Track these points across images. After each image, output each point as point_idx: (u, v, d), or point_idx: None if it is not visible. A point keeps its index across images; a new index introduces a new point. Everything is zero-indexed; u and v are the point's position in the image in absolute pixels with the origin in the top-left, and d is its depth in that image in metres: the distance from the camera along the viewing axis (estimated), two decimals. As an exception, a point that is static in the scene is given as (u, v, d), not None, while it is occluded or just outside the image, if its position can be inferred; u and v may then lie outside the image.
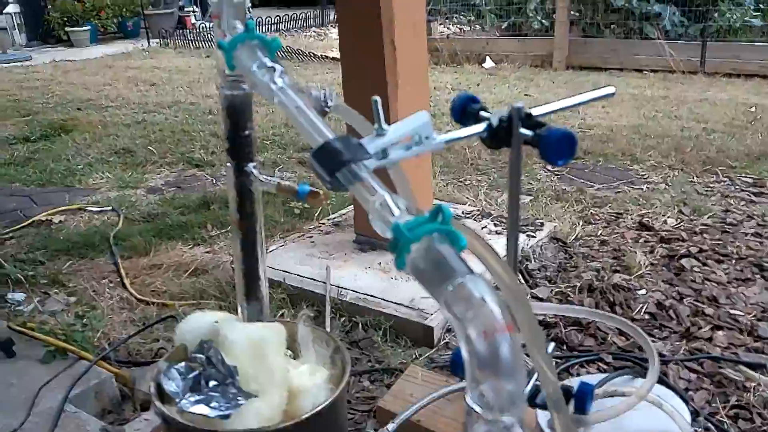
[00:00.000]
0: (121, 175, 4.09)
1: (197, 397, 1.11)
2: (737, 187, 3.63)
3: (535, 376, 1.02)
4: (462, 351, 0.56)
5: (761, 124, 4.81)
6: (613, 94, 0.96)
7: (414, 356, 2.17)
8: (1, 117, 5.87)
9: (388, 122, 2.41)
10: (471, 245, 0.71)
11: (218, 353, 1.10)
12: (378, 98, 0.70)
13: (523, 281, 2.59)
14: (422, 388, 1.95)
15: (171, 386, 1.12)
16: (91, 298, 2.59)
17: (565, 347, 2.16)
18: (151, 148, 4.62)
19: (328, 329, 2.28)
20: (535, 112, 0.89)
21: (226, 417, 1.05)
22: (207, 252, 2.96)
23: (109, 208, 3.53)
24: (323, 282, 2.48)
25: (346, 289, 2.43)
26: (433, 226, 0.60)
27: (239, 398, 1.08)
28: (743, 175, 3.79)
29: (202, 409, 1.08)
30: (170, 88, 7.11)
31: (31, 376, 1.98)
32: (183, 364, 1.17)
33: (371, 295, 2.37)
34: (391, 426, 1.72)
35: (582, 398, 1.13)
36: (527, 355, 0.75)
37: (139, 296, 2.60)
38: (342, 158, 0.69)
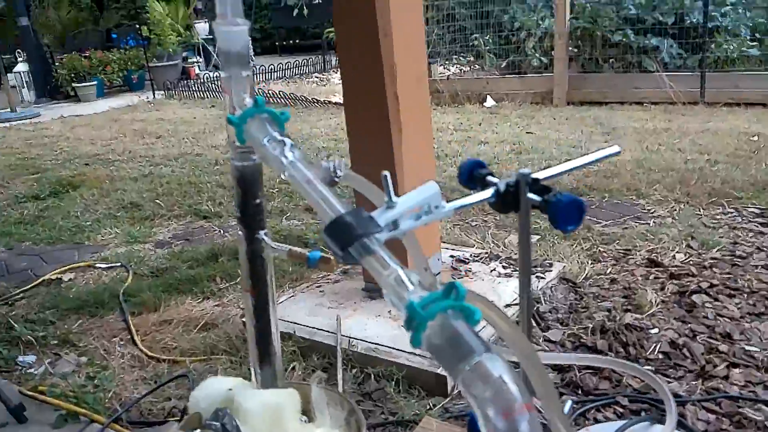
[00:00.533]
0: (129, 230, 4.12)
1: (214, 466, 1.10)
2: (744, 218, 3.63)
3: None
4: (481, 429, 0.56)
5: (765, 152, 4.82)
6: (618, 152, 0.97)
7: (428, 406, 2.15)
8: (11, 175, 5.94)
9: (394, 170, 2.45)
10: (483, 313, 0.72)
11: (233, 421, 1.10)
12: (387, 173, 0.72)
13: (534, 325, 2.58)
14: (438, 439, 1.93)
15: (187, 456, 1.11)
16: (102, 358, 2.59)
17: (580, 391, 2.14)
18: (158, 201, 4.66)
19: (340, 382, 2.27)
20: (541, 175, 0.90)
21: (244, 487, 1.04)
22: (216, 305, 2.96)
23: (118, 264, 3.55)
24: (333, 333, 2.47)
25: (356, 339, 2.42)
26: (447, 303, 0.60)
27: (256, 467, 1.07)
28: (750, 205, 3.79)
29: (219, 478, 1.07)
30: (176, 140, 7.19)
31: (44, 442, 1.97)
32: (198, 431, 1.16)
33: (382, 345, 2.36)
34: (408, 482, 1.70)
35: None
36: (544, 416, 0.75)
37: (149, 353, 2.60)
38: (354, 233, 0.70)
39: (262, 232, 1.01)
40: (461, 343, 0.58)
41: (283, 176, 0.82)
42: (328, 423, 1.23)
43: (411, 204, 0.73)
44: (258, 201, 1.00)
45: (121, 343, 2.71)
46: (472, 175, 0.95)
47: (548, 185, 0.87)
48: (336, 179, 0.83)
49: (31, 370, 2.55)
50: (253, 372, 1.13)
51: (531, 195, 0.88)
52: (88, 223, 4.33)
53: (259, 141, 0.85)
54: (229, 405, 1.11)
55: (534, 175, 0.89)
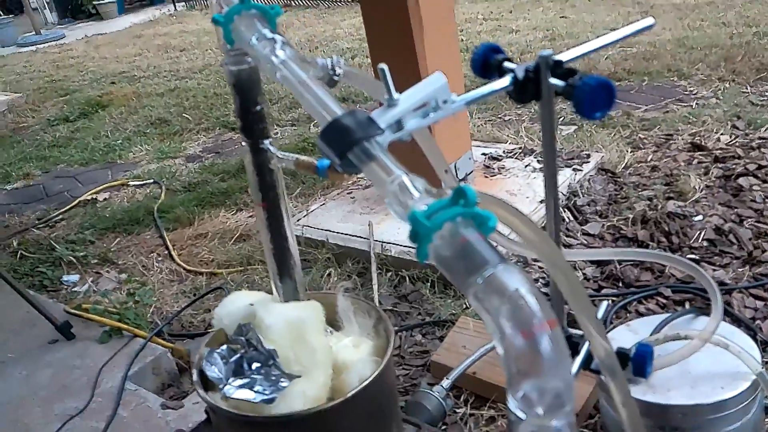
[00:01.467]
0: (159, 146, 4.10)
1: (241, 381, 1.09)
2: (796, 93, 3.42)
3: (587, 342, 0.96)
4: (497, 348, 0.50)
5: (819, 21, 4.49)
6: (653, 25, 0.86)
7: (464, 306, 2.13)
8: (41, 98, 5.94)
9: (418, 72, 2.29)
10: (500, 216, 0.65)
11: (257, 335, 1.08)
12: (385, 66, 0.63)
13: (572, 218, 2.50)
14: (475, 339, 1.91)
15: (213, 372, 1.10)
16: (141, 274, 2.62)
17: (621, 284, 2.08)
18: (186, 115, 4.61)
19: (375, 286, 2.26)
20: (565, 57, 0.80)
21: (271, 401, 1.03)
22: (250, 216, 2.95)
23: (151, 180, 3.55)
24: (366, 238, 2.44)
25: (389, 243, 2.38)
26: (455, 211, 0.53)
27: (282, 381, 1.05)
28: (802, 79, 3.56)
29: (246, 394, 1.06)
30: (200, 52, 7.06)
31: (91, 357, 2.02)
32: (224, 347, 1.15)
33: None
34: (445, 382, 1.69)
35: (641, 362, 1.06)
36: (576, 320, 0.69)
37: (187, 267, 2.62)
38: (352, 137, 0.62)
39: (266, 141, 0.95)
40: (472, 254, 0.52)
41: (274, 79, 0.74)
42: (356, 331, 1.20)
43: (415, 100, 0.65)
44: (259, 107, 0.93)
45: (159, 258, 2.74)
46: (487, 63, 0.85)
47: (573, 68, 0.77)
48: (335, 78, 0.75)
49: (76, 289, 2.61)
50: (273, 286, 1.10)
51: (553, 80, 0.78)
52: (118, 141, 4.32)
53: (247, 40, 0.77)
54: (252, 320, 1.09)
55: (556, 57, 0.78)
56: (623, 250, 1.08)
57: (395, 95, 0.65)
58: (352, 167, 0.63)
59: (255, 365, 1.12)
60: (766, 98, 3.40)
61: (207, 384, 1.12)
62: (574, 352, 1.01)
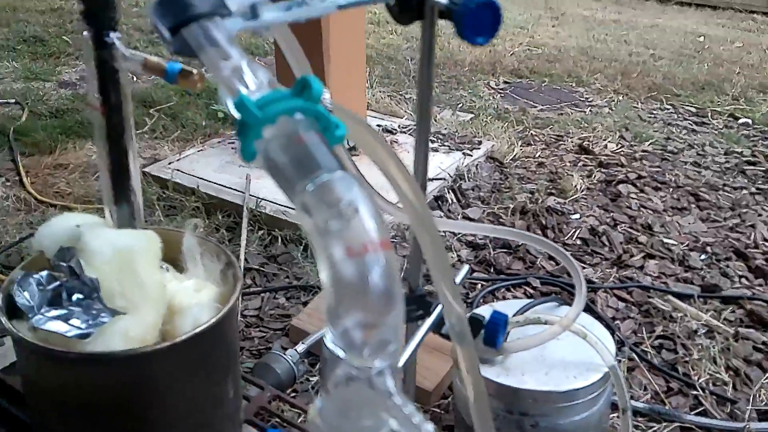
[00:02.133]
0: (30, 66, 3.72)
1: (56, 313, 0.94)
2: (680, 115, 3.57)
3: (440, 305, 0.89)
4: (321, 273, 0.41)
5: (708, 53, 4.74)
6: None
7: (334, 273, 2.04)
8: None
9: None
10: (361, 140, 0.55)
11: (79, 262, 0.93)
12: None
13: (455, 200, 2.47)
14: (339, 307, 1.83)
15: (24, 298, 0.94)
16: (-17, 198, 2.35)
17: (492, 270, 2.07)
18: (66, 38, 4.22)
19: (244, 242, 2.13)
20: (453, -24, 0.71)
21: (86, 336, 0.89)
22: (120, 154, 2.72)
23: (12, 100, 3.21)
24: (242, 192, 2.30)
25: (266, 200, 2.25)
26: (295, 104, 0.43)
27: (103, 315, 0.91)
28: (687, 104, 3.72)
29: (58, 326, 0.91)
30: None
31: None
32: (45, 273, 0.99)
33: (292, 208, 2.20)
34: (300, 347, 1.59)
35: (494, 330, 1.01)
36: (431, 282, 0.61)
37: (39, 197, 2.38)
38: (191, 11, 0.51)
39: (113, 34, 0.80)
40: (307, 156, 0.42)
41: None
42: (200, 275, 1.07)
43: (277, -17, 0.54)
44: (107, -9, 0.79)
45: (7, 183, 2.47)
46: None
47: (462, -12, 0.69)
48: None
49: None
50: (107, 210, 0.96)
51: (436, -1, 0.69)
52: (-19, 53, 3.90)
53: None
54: (76, 244, 0.94)
55: (443, -27, 0.70)
56: (504, 229, 1.03)
57: (253, -28, 0.54)
58: (186, 49, 0.52)
59: (76, 296, 0.97)
60: (653, 116, 3.53)
61: (16, 313, 0.96)
62: (426, 313, 0.94)
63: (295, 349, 1.59)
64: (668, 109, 3.66)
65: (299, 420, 1.42)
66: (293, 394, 1.62)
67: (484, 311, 1.23)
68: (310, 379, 1.69)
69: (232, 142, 2.70)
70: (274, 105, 0.43)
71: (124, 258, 0.91)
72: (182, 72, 0.74)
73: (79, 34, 4.20)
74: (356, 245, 0.38)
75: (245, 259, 2.07)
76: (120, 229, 0.96)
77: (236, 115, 0.44)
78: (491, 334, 0.98)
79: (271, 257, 2.13)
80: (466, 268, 1.13)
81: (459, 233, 2.22)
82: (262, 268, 2.08)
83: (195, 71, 0.75)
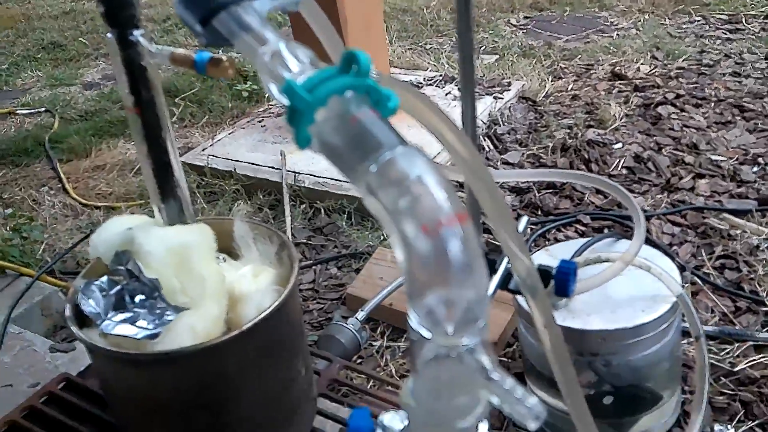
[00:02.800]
0: (53, 72, 3.75)
1: (122, 316, 0.95)
2: (712, 25, 3.43)
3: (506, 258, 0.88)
4: (395, 253, 0.39)
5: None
6: None
7: (381, 237, 2.04)
8: None
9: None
10: (406, 104, 0.53)
11: (136, 264, 0.94)
12: None
13: (492, 147, 2.43)
14: (393, 270, 1.83)
15: (89, 306, 0.96)
16: (31, 208, 2.40)
17: (540, 212, 2.03)
18: (83, 40, 4.24)
19: (288, 218, 2.13)
20: None
21: (154, 336, 0.90)
22: (153, 147, 2.74)
23: (42, 109, 3.24)
24: (278, 168, 2.29)
25: (303, 173, 2.25)
26: (345, 81, 0.41)
27: (168, 314, 0.92)
28: (718, 12, 3.57)
29: (127, 329, 0.92)
30: (101, -27, 6.51)
31: (-32, 299, 1.82)
32: (105, 278, 1.00)
33: (331, 178, 2.20)
34: (360, 314, 1.60)
35: (564, 280, 0.99)
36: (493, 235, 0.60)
37: (83, 201, 2.41)
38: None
39: (136, 32, 0.79)
40: (365, 136, 0.40)
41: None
42: (257, 259, 1.07)
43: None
44: (125, -11, 0.77)
45: (51, 192, 2.51)
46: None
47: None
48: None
49: (-46, 226, 2.36)
50: (155, 208, 0.96)
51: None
52: (4, 66, 3.93)
53: None
54: (131, 247, 0.95)
55: None
56: (548, 171, 1.01)
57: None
58: (219, 39, 0.50)
59: (139, 298, 0.98)
60: (683, 30, 3.41)
61: (84, 321, 0.98)
62: (491, 271, 0.92)
63: (356, 317, 1.60)
64: (698, 20, 3.52)
65: (369, 386, 1.43)
66: (359, 361, 1.64)
67: (540, 257, 1.21)
68: (373, 344, 1.70)
69: (261, 120, 2.69)
70: (324, 86, 0.41)
71: (180, 254, 0.91)
72: (212, 60, 0.72)
73: (95, 34, 4.21)
74: (430, 221, 0.37)
75: (292, 235, 2.08)
76: (171, 225, 0.96)
77: (284, 101, 0.43)
78: (562, 283, 0.96)
79: (316, 229, 2.14)
80: (525, 218, 1.11)
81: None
82: (309, 242, 2.08)
83: (225, 58, 0.73)
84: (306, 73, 0.44)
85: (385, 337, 1.69)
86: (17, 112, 3.24)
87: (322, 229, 2.13)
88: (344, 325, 1.56)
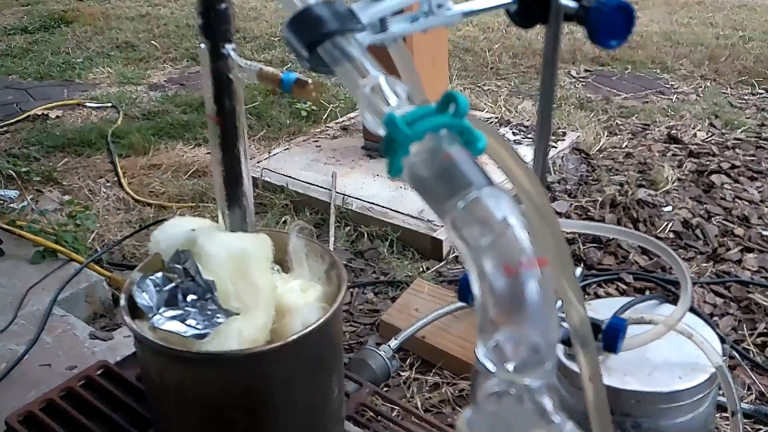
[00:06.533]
0: (123, 71, 3.89)
1: (173, 313, 0.99)
2: (775, 100, 3.40)
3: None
4: (473, 288, 0.41)
5: (804, 32, 4.49)
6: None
7: (421, 269, 2.06)
8: (0, 5, 5.60)
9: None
10: (489, 146, 0.56)
11: (195, 264, 0.97)
12: (376, -52, 0.53)
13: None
14: (428, 303, 1.84)
15: (143, 299, 1.00)
16: (87, 198, 2.48)
17: (583, 265, 2.03)
18: (154, 42, 4.39)
19: (332, 238, 2.16)
20: (579, -21, 0.70)
21: (203, 336, 0.93)
22: (208, 153, 2.81)
23: (109, 104, 3.36)
24: (328, 189, 2.34)
25: (352, 197, 2.29)
26: (442, 120, 0.44)
27: (218, 316, 0.95)
28: (782, 87, 3.54)
29: (176, 326, 0.96)
30: (178, -20, 6.75)
31: (19, 277, 1.89)
32: (159, 274, 1.04)
33: (378, 205, 2.23)
34: (393, 343, 1.62)
35: (614, 336, 0.99)
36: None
37: (136, 196, 2.49)
38: (325, 28, 0.52)
39: (228, 46, 0.83)
40: (455, 173, 0.43)
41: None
42: (306, 275, 1.10)
43: (406, -2, 0.55)
44: (224, 5, 0.81)
45: (107, 184, 2.59)
46: (490, -23, 0.75)
47: (588, -11, 0.68)
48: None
49: (13, 205, 2.45)
50: (220, 214, 1.00)
51: (565, 1, 0.68)
52: (79, 60, 4.09)
53: None
54: (192, 247, 0.98)
55: (571, -24, 0.69)
56: (606, 226, 1.02)
57: (383, -13, 0.55)
58: (322, 65, 0.53)
59: (191, 297, 1.01)
60: (744, 101, 3.38)
61: (136, 312, 1.02)
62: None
63: (389, 345, 1.61)
64: (761, 93, 3.49)
65: (393, 414, 1.43)
66: (386, 388, 1.65)
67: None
68: (401, 374, 1.70)
69: (316, 141, 2.75)
70: (422, 122, 0.44)
71: (239, 261, 0.95)
72: (298, 82, 0.76)
73: (166, 39, 4.36)
74: (512, 262, 0.39)
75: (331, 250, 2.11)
76: (233, 232, 1.00)
77: (381, 132, 0.45)
78: (611, 339, 0.97)
79: (357, 253, 2.16)
80: (580, 269, 1.12)
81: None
82: (349, 264, 2.11)
83: (310, 81, 0.77)
84: (403, 107, 0.47)
85: (414, 369, 1.70)
86: (86, 104, 3.36)
87: (363, 253, 2.16)
88: (377, 351, 1.58)
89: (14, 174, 2.59)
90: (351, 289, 2.00)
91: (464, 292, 0.99)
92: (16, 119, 3.16)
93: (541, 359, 0.40)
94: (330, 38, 0.52)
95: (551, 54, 0.77)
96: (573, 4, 0.68)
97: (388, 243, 2.15)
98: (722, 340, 1.68)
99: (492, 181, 0.43)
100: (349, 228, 2.23)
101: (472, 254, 0.41)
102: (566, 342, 0.98)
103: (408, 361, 1.73)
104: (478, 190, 0.42)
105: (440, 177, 0.43)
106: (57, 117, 3.23)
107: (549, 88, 0.80)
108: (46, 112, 3.27)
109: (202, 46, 0.85)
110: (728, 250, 2.07)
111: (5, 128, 3.09)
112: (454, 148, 0.44)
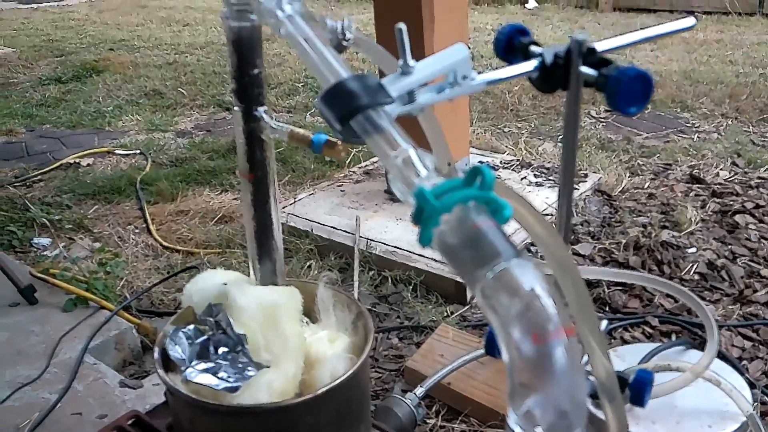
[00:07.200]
0: (151, 118, 4.00)
1: (205, 366, 1.01)
2: (798, 138, 3.39)
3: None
4: (503, 354, 0.43)
5: (825, 69, 4.49)
6: (693, 25, 0.80)
7: (445, 314, 2.06)
8: (35, 57, 5.81)
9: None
10: (514, 210, 0.58)
11: (226, 317, 1.00)
12: (403, 25, 0.56)
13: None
14: (453, 348, 1.84)
15: (176, 352, 1.02)
16: (116, 245, 2.53)
17: (608, 308, 2.03)
18: (181, 90, 4.51)
19: (356, 283, 2.18)
20: (600, 46, 0.73)
21: (234, 390, 0.95)
22: (234, 199, 2.87)
23: (137, 151, 3.45)
24: (352, 233, 2.37)
25: (375, 241, 2.31)
26: (470, 193, 0.47)
27: (249, 369, 0.98)
28: (805, 125, 3.53)
29: (208, 379, 0.98)
30: (203, 29, 6.96)
31: (52, 325, 1.93)
32: (191, 327, 1.07)
33: (401, 249, 2.26)
34: (419, 390, 1.62)
35: (641, 390, 1.00)
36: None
37: (164, 243, 2.53)
38: (357, 102, 0.55)
39: (261, 109, 0.87)
40: (483, 243, 0.45)
41: (278, 35, 0.67)
42: (333, 325, 1.13)
43: (432, 71, 0.58)
44: (257, 71, 0.85)
45: (136, 231, 2.65)
46: (512, 45, 0.78)
47: (607, 57, 0.71)
48: (344, 43, 0.68)
49: (46, 253, 2.51)
50: (251, 267, 1.02)
51: (584, 68, 0.71)
52: (109, 108, 4.21)
53: (253, -10, 0.70)
54: (223, 300, 1.01)
55: (590, 45, 0.71)
56: (629, 273, 1.03)
57: (411, 62, 0.58)
58: (354, 136, 0.56)
59: (222, 350, 1.04)
60: (767, 139, 3.38)
61: (168, 364, 1.04)
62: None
63: (414, 393, 1.61)
64: (784, 131, 3.48)
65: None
66: (412, 437, 1.64)
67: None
68: (427, 421, 1.70)
69: (340, 185, 2.79)
70: (451, 194, 0.46)
71: (269, 313, 0.97)
72: (327, 142, 0.79)
73: (192, 86, 4.48)
74: (540, 330, 0.41)
75: (357, 300, 2.13)
76: (263, 285, 1.02)
77: (411, 202, 0.48)
78: (638, 393, 0.97)
79: (381, 297, 2.18)
80: (605, 322, 1.13)
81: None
82: (373, 309, 2.12)
83: (339, 143, 0.80)
84: (432, 179, 0.50)
85: (440, 417, 1.70)
86: (115, 152, 3.46)
87: (387, 297, 2.17)
88: (403, 399, 1.58)
89: (47, 222, 2.66)
90: (376, 335, 2.01)
91: (491, 345, 1.00)
92: (49, 168, 3.26)
93: (570, 424, 0.41)
94: (362, 112, 0.56)
95: (572, 118, 0.79)
96: (593, 72, 0.71)
97: (411, 287, 2.16)
98: (752, 386, 1.66)
99: (518, 251, 0.45)
100: (373, 272, 2.25)
101: (500, 322, 0.43)
102: (593, 396, 0.98)
103: (434, 408, 1.73)
104: (507, 261, 0.44)
105: (469, 246, 0.45)
106: (88, 165, 3.33)
107: (570, 149, 0.82)
108: (77, 160, 3.36)
109: (236, 108, 0.89)
110: (755, 291, 2.06)
111: (39, 177, 3.18)
112: (481, 218, 0.46)
